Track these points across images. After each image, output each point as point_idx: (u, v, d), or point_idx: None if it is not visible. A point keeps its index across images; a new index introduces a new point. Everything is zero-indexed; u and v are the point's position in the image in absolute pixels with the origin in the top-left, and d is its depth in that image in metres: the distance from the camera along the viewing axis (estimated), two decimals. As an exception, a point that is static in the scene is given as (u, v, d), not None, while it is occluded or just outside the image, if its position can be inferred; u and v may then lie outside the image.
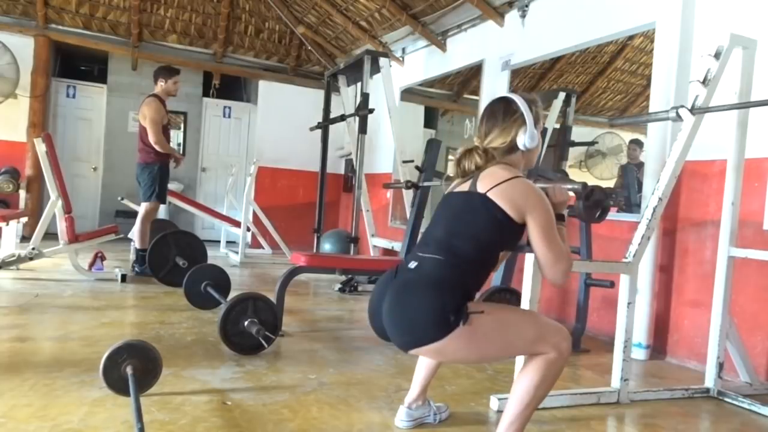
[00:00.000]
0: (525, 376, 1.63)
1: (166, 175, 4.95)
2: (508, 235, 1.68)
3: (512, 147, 1.77)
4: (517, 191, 1.65)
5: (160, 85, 4.93)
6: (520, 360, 2.05)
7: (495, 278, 3.55)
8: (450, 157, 4.90)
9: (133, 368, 1.90)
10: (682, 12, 3.31)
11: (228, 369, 2.49)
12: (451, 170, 1.83)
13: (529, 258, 2.20)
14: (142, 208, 4.89)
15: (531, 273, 2.18)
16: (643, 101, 3.91)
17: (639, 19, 3.67)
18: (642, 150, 3.95)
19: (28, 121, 7.04)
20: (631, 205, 3.80)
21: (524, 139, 1.74)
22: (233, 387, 2.27)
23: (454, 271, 1.62)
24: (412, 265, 1.69)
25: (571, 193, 2.00)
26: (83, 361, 2.45)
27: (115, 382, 1.92)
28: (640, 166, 3.77)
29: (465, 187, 1.75)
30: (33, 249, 4.33)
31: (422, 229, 4.59)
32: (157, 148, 4.74)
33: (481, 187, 1.67)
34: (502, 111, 1.79)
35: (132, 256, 5.35)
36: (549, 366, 1.60)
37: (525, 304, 2.20)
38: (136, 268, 4.79)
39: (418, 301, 1.60)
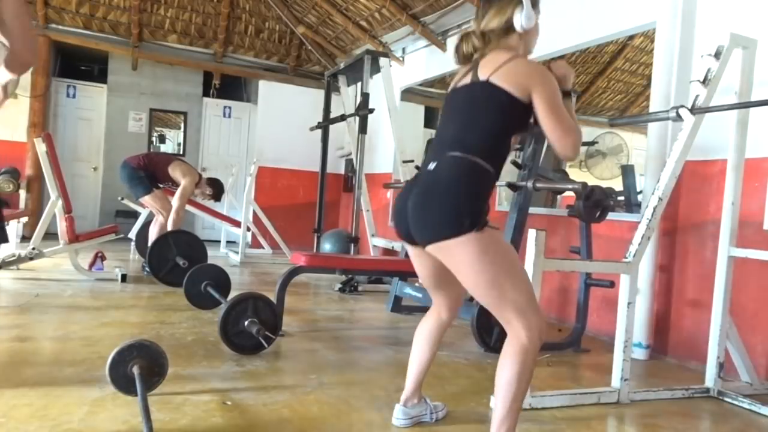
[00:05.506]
0: (503, 371, 1.62)
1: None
2: (516, 117, 1.69)
3: (509, 28, 1.75)
4: (519, 69, 1.66)
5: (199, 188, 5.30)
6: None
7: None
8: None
9: (140, 368, 1.90)
10: (682, 12, 3.31)
11: (228, 369, 2.49)
12: (452, 59, 1.84)
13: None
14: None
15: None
16: (643, 101, 3.91)
17: (639, 19, 3.67)
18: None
19: (29, 121, 7.04)
20: (631, 204, 3.80)
21: (521, 18, 1.72)
22: (233, 387, 2.27)
23: (470, 167, 1.66)
24: (431, 166, 1.72)
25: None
26: (83, 361, 2.45)
27: (119, 379, 1.93)
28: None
29: (467, 80, 1.76)
30: (33, 249, 4.32)
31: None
32: (171, 214, 4.87)
33: (482, 75, 1.69)
34: None
35: (133, 256, 5.37)
36: (524, 355, 1.60)
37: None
38: (146, 268, 4.78)
39: (437, 201, 1.65)
